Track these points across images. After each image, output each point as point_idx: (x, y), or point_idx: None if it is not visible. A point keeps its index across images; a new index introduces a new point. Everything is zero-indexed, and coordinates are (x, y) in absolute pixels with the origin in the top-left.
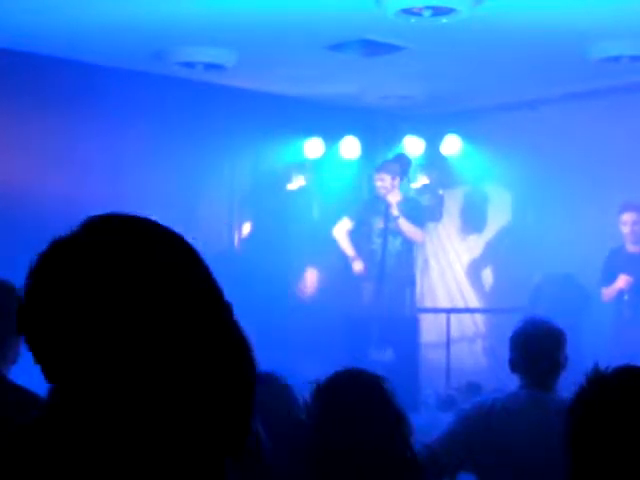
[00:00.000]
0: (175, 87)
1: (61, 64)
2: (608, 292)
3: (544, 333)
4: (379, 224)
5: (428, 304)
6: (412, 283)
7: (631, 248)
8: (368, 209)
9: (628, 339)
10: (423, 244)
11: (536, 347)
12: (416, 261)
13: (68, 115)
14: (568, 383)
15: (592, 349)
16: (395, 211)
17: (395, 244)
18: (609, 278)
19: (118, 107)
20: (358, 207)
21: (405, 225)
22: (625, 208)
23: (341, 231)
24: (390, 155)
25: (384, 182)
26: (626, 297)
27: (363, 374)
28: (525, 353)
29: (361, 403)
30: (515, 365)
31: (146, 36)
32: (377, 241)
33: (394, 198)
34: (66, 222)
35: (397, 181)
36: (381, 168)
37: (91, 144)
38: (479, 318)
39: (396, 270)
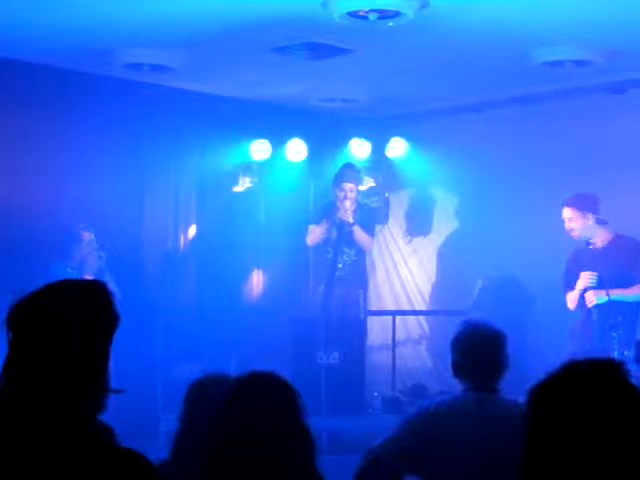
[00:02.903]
0: (121, 88)
1: (4, 64)
2: (572, 297)
3: (484, 335)
4: (334, 233)
5: (374, 306)
6: (365, 286)
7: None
8: (325, 214)
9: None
10: (370, 249)
11: (476, 350)
12: (367, 265)
13: (11, 115)
14: (512, 383)
15: (536, 349)
16: (350, 218)
17: (351, 254)
18: (572, 281)
19: (63, 108)
20: (315, 215)
21: (359, 233)
22: (563, 203)
23: (316, 236)
24: (338, 162)
25: (353, 192)
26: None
27: (272, 380)
28: (465, 356)
29: (260, 409)
30: (458, 369)
31: (91, 37)
32: (332, 250)
33: (350, 206)
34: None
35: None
36: (347, 178)
37: (33, 145)
38: (424, 320)
39: (350, 275)
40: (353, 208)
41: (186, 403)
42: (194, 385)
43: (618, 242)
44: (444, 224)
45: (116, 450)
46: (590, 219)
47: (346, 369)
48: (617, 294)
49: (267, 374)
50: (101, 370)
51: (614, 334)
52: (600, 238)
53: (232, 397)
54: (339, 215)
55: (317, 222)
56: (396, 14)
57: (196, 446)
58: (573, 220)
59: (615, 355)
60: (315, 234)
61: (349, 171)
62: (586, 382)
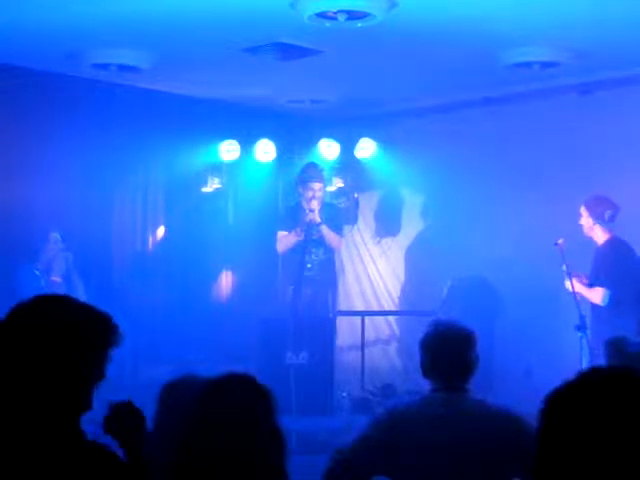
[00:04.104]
0: (88, 89)
1: None
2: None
3: (453, 335)
4: (301, 235)
5: (343, 307)
6: (334, 286)
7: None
8: (293, 218)
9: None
10: (339, 248)
11: (445, 350)
12: (336, 265)
13: None
14: (481, 383)
15: (504, 349)
16: (318, 218)
17: (319, 254)
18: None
19: (30, 108)
20: (283, 216)
21: (326, 232)
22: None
23: (287, 244)
24: (302, 163)
25: (320, 192)
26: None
27: (247, 381)
28: (435, 356)
29: (235, 410)
30: (426, 369)
31: (60, 37)
32: (300, 251)
33: (317, 205)
34: None
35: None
36: (315, 177)
37: (0, 146)
38: (393, 321)
39: (319, 275)
40: (319, 207)
41: (159, 405)
42: (167, 387)
43: (608, 244)
44: (413, 225)
45: (94, 451)
46: (591, 220)
47: (315, 369)
48: (578, 289)
49: (242, 375)
50: (82, 386)
51: (580, 334)
52: (599, 238)
53: (207, 397)
54: (307, 218)
55: (285, 227)
56: (365, 15)
57: (168, 447)
58: (581, 218)
59: (584, 355)
60: (285, 242)
61: (314, 170)
62: (602, 391)
